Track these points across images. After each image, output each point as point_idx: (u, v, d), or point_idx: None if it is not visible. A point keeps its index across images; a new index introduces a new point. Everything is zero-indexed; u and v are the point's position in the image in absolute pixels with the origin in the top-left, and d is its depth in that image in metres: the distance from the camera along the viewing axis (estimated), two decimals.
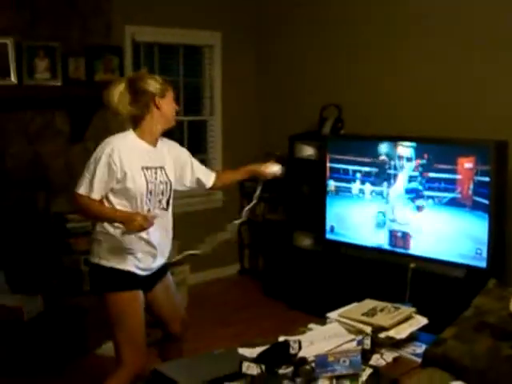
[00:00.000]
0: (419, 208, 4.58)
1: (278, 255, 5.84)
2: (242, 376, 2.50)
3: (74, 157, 5.01)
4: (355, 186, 4.97)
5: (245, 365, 2.52)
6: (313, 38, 5.99)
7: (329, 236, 5.18)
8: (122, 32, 5.47)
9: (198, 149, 6.41)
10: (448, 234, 4.43)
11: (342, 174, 5.04)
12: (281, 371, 2.56)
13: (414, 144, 4.57)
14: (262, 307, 5.64)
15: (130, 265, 3.16)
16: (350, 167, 4.98)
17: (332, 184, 5.12)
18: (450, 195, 4.37)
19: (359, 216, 4.98)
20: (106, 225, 3.15)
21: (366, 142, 4.93)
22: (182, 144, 6.08)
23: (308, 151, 5.60)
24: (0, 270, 4.54)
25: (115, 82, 3.22)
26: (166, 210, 3.30)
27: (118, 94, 3.15)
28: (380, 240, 4.83)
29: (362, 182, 4.92)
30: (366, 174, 4.88)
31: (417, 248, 4.63)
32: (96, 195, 3.07)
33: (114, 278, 3.16)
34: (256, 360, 2.58)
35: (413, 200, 4.61)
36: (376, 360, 2.74)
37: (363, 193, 4.93)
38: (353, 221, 5.02)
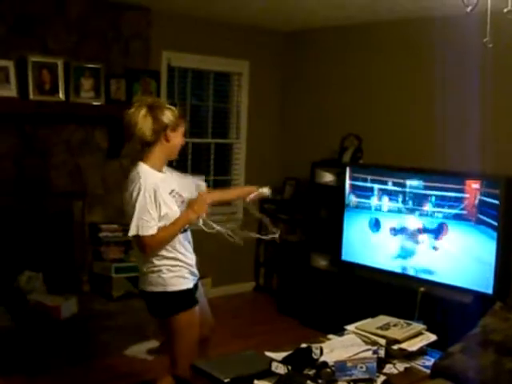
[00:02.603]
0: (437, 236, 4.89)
1: (294, 274, 6.13)
2: (271, 374, 2.82)
3: (109, 172, 5.36)
4: (374, 202, 5.30)
5: (274, 364, 2.84)
6: (336, 72, 6.33)
7: (344, 258, 5.48)
8: (159, 56, 5.81)
9: (222, 170, 6.74)
10: (456, 257, 4.72)
11: (362, 194, 5.37)
12: (305, 372, 2.87)
13: (426, 176, 4.90)
14: (276, 323, 5.90)
15: (190, 281, 3.40)
16: (371, 185, 5.30)
17: (353, 199, 5.43)
18: (455, 211, 4.69)
19: (374, 239, 5.29)
20: (164, 253, 3.31)
21: (384, 172, 5.23)
22: (208, 165, 6.51)
23: (328, 177, 5.92)
24: (39, 271, 4.86)
25: (136, 106, 3.27)
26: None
27: (142, 116, 3.22)
28: (393, 263, 5.14)
29: (379, 208, 5.25)
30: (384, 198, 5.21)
31: (427, 272, 4.92)
32: (156, 230, 3.22)
33: (182, 299, 3.37)
34: (283, 361, 2.90)
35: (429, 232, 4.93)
36: (389, 369, 3.05)
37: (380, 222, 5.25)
38: (368, 242, 5.33)
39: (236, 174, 6.78)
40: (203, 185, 3.68)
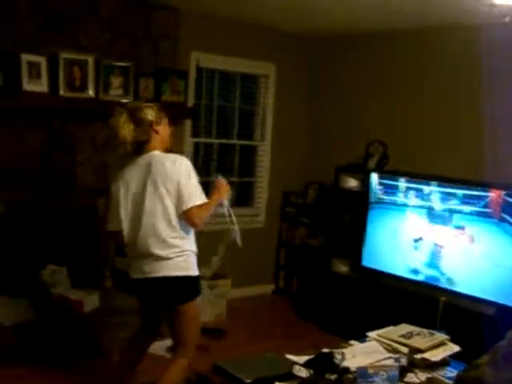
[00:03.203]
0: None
1: (314, 278, 6.13)
2: (292, 377, 2.83)
3: None
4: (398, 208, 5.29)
5: (296, 368, 2.86)
6: (362, 78, 6.33)
7: (365, 264, 5.48)
8: (188, 57, 5.84)
9: (247, 172, 6.76)
10: (479, 264, 4.69)
11: (387, 200, 5.36)
12: (326, 377, 2.87)
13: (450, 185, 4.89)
14: (295, 327, 5.90)
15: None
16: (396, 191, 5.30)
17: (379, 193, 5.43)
18: (478, 208, 4.70)
19: (397, 244, 5.29)
20: (192, 240, 3.58)
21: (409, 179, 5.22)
22: (233, 166, 6.53)
23: (352, 183, 5.92)
24: (63, 265, 4.91)
25: (116, 113, 3.50)
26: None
27: (122, 123, 3.46)
28: (415, 271, 5.12)
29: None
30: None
31: (449, 280, 4.90)
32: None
33: (199, 284, 3.65)
34: (305, 365, 2.91)
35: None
36: (410, 378, 3.04)
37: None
38: (390, 248, 5.33)
39: (260, 176, 6.79)
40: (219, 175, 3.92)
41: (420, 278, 5.09)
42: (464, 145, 5.38)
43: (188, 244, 3.52)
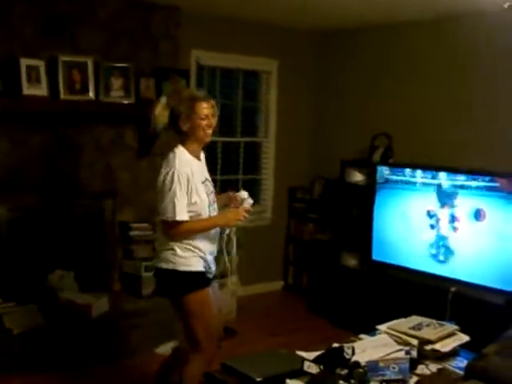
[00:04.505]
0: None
1: (324, 273, 6.10)
2: (303, 374, 2.79)
3: (140, 171, 5.36)
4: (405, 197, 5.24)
5: (306, 364, 2.82)
6: (366, 71, 6.28)
7: (374, 257, 5.44)
8: (188, 55, 5.81)
9: (252, 169, 6.73)
10: (490, 250, 4.64)
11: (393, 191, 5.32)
12: (337, 372, 2.84)
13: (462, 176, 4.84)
14: (305, 322, 5.87)
15: (201, 265, 3.47)
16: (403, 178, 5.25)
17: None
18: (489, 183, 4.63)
19: (405, 235, 5.25)
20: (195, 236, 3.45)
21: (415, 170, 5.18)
22: (237, 163, 6.50)
23: (358, 177, 5.88)
24: (70, 270, 4.89)
25: (157, 101, 3.56)
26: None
27: (158, 111, 3.46)
28: (424, 262, 5.08)
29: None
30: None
31: (458, 270, 4.86)
32: (186, 216, 3.35)
33: (192, 280, 3.46)
34: (315, 361, 2.87)
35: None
36: (421, 369, 3.01)
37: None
38: (399, 240, 5.29)
39: (265, 173, 6.76)
40: (250, 201, 3.63)
41: (429, 269, 5.05)
42: (474, 135, 5.31)
43: (179, 241, 3.44)
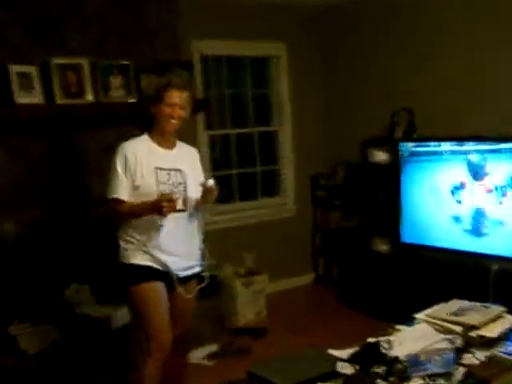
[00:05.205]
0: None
1: (354, 261, 5.80)
2: (336, 376, 2.51)
3: None
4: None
5: (339, 364, 2.54)
6: (381, 42, 5.96)
7: (405, 239, 5.11)
8: (189, 46, 5.55)
9: (269, 160, 6.45)
10: None
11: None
12: (374, 370, 2.55)
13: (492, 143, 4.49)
14: (338, 315, 5.60)
15: (144, 260, 3.38)
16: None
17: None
18: None
19: (436, 211, 4.91)
20: (125, 227, 3.41)
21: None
22: (253, 155, 6.23)
23: (380, 156, 5.57)
24: (86, 283, 4.66)
25: None
26: (184, 211, 3.41)
27: None
28: (459, 239, 4.74)
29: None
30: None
31: (499, 246, 4.49)
32: (124, 196, 3.32)
33: (130, 273, 3.42)
34: (349, 360, 2.59)
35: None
36: (468, 359, 2.69)
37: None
38: (430, 218, 4.95)
39: (284, 163, 6.46)
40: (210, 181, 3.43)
41: (466, 246, 4.70)
42: (498, 102, 4.98)
43: (123, 229, 3.42)
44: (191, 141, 5.55)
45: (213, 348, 4.80)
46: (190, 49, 5.55)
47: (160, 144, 3.43)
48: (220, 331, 5.04)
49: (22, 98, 4.28)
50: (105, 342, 4.38)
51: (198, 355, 4.73)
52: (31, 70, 4.35)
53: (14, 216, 4.48)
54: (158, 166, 3.36)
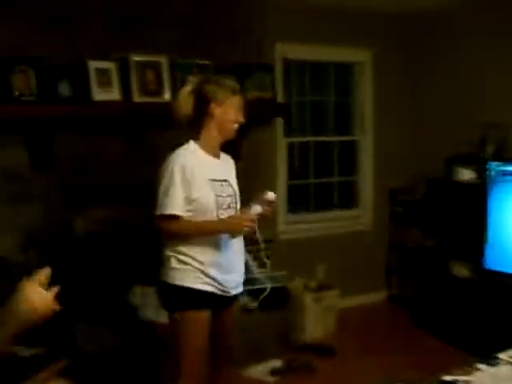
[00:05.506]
0: None
1: (431, 283, 5.49)
2: None
3: None
4: None
5: None
6: (471, 53, 5.63)
7: (489, 265, 4.79)
8: (272, 49, 5.39)
9: (348, 170, 6.22)
10: None
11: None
12: None
13: None
14: (410, 338, 5.30)
15: (202, 282, 3.09)
16: None
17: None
18: None
19: None
20: (178, 243, 3.09)
21: None
22: (331, 165, 6.02)
23: (467, 174, 5.26)
24: (151, 285, 4.55)
25: (187, 82, 3.20)
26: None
27: (184, 94, 3.12)
28: None
29: None
30: None
31: None
32: (182, 211, 3.02)
33: (185, 297, 3.11)
34: None
35: None
36: None
37: None
38: None
39: (363, 175, 6.22)
40: (257, 208, 3.13)
41: None
42: None
43: (175, 247, 3.10)
44: (270, 147, 5.44)
45: (277, 363, 4.61)
46: (273, 52, 5.38)
47: (209, 152, 3.14)
48: (285, 346, 4.85)
49: (99, 95, 4.21)
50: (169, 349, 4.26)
51: (260, 370, 4.56)
52: (110, 66, 4.27)
53: (85, 213, 4.43)
54: (212, 178, 3.09)
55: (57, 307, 1.68)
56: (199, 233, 3.08)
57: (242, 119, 3.16)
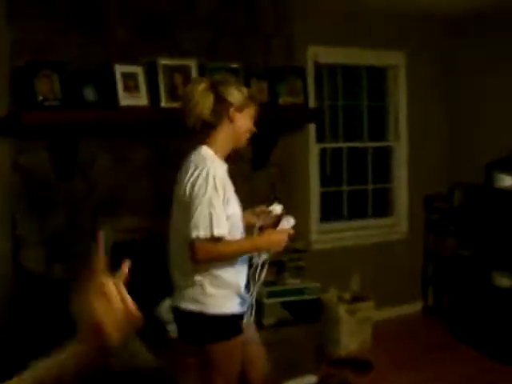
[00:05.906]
0: None
1: (468, 294, 5.27)
2: None
3: (257, 184, 4.77)
4: None
5: None
6: (510, 59, 5.41)
7: None
8: (304, 53, 5.22)
9: (382, 177, 6.02)
10: None
11: None
12: None
13: None
14: (448, 351, 5.08)
15: (236, 304, 2.83)
16: None
17: None
18: None
19: None
20: (211, 269, 2.77)
21: None
22: (365, 172, 5.82)
23: (507, 181, 5.04)
24: None
25: (196, 80, 3.04)
26: None
27: (200, 91, 2.77)
28: None
29: None
30: None
31: None
32: (227, 231, 2.69)
33: (223, 325, 2.81)
34: None
35: None
36: None
37: None
38: None
39: (398, 181, 6.01)
40: (291, 221, 2.91)
41: None
42: None
43: (208, 272, 2.76)
44: (302, 153, 5.26)
45: (311, 380, 4.42)
46: (305, 56, 5.21)
47: (222, 158, 2.89)
48: (320, 360, 4.66)
49: (126, 100, 4.06)
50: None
51: None
52: (137, 70, 4.13)
53: (111, 223, 4.26)
54: (234, 189, 2.88)
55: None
56: (239, 253, 2.80)
57: (255, 129, 2.94)
